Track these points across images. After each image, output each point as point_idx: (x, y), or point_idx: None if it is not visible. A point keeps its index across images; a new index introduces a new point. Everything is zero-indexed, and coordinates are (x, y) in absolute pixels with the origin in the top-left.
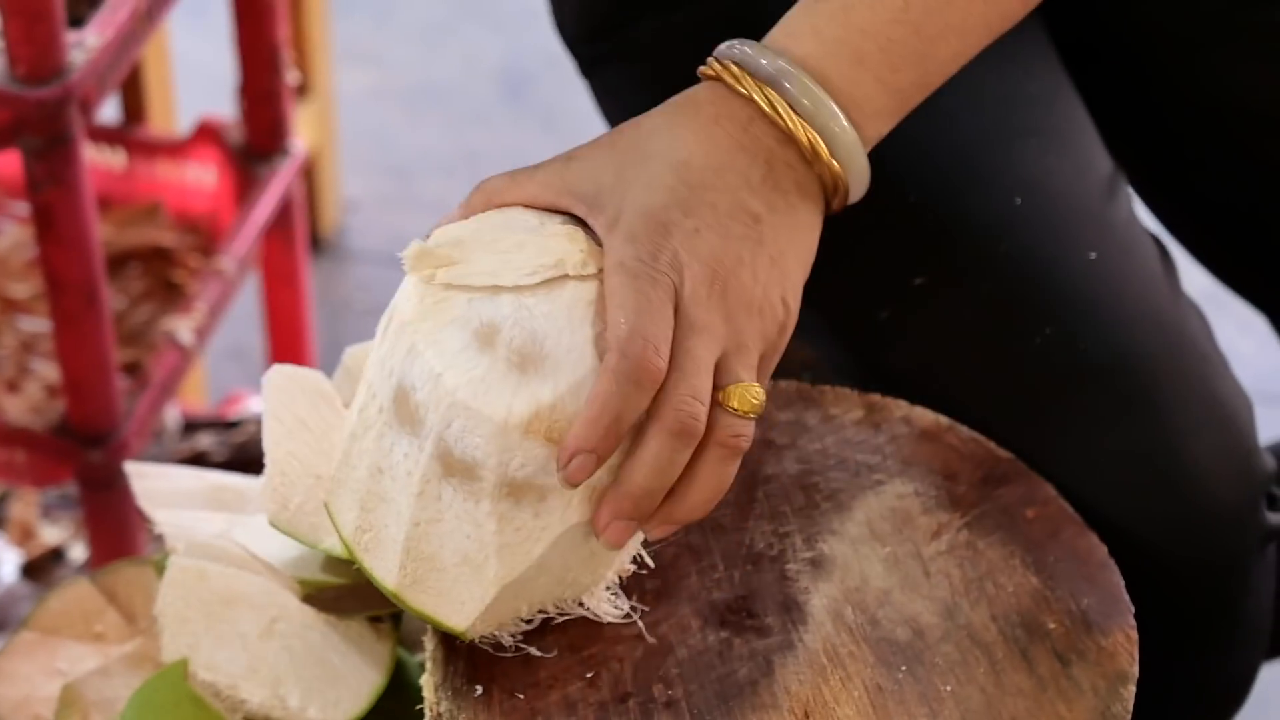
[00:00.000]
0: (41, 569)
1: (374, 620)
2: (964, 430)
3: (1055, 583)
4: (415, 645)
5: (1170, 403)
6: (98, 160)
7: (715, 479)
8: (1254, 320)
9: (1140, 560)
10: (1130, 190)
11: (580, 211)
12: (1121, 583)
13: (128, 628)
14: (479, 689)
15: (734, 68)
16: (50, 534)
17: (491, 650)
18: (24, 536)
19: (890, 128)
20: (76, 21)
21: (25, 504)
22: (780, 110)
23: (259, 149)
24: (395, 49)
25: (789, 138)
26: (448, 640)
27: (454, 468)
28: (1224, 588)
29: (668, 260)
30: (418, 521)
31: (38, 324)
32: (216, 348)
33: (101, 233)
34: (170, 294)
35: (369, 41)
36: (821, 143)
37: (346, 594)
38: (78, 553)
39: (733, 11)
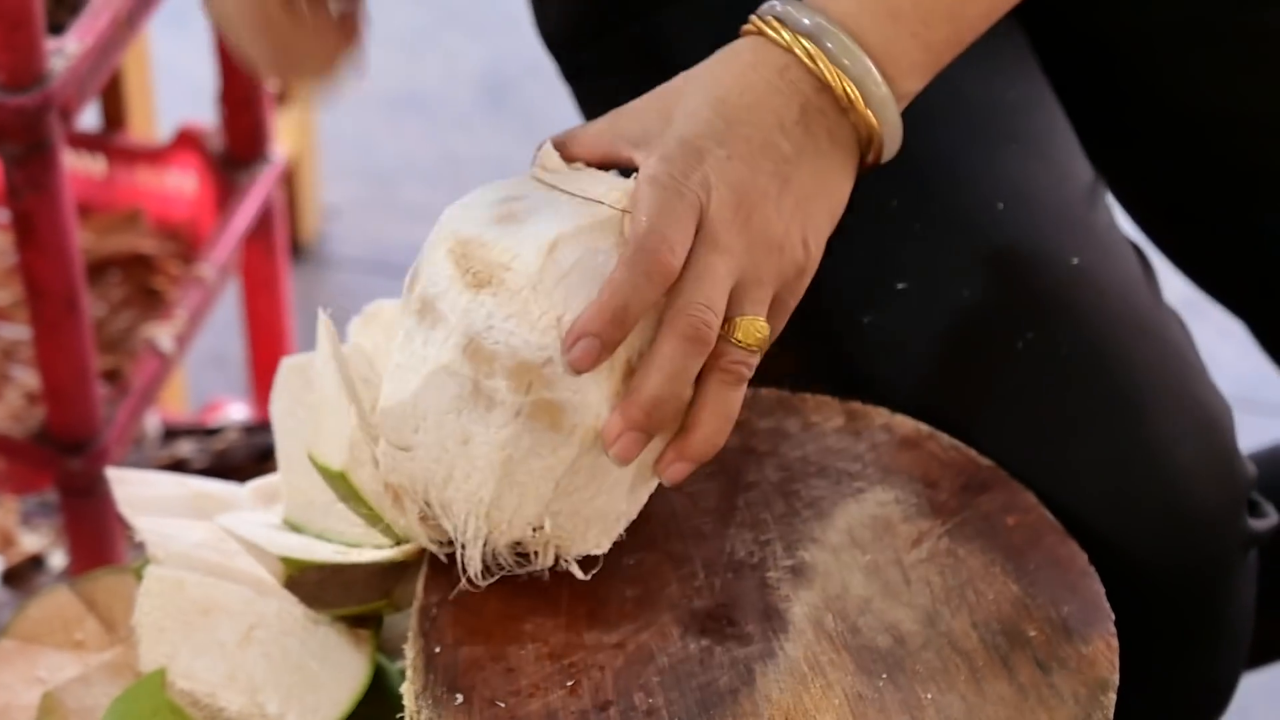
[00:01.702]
0: (21, 576)
1: (354, 626)
2: (944, 438)
3: (1036, 590)
4: (396, 652)
5: (1152, 408)
6: (78, 167)
7: (720, 406)
8: (1233, 327)
9: (1121, 567)
10: (1110, 198)
11: (628, 152)
12: (1102, 590)
13: (107, 636)
14: (459, 697)
15: (772, 21)
16: (30, 541)
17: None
18: (3, 544)
19: (924, 84)
20: (57, 28)
21: (5, 511)
22: (818, 60)
23: (239, 156)
24: (376, 55)
25: (824, 86)
26: (429, 647)
27: (414, 277)
28: (1205, 595)
29: (698, 180)
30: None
31: (17, 331)
32: (196, 355)
33: (81, 240)
34: (150, 301)
35: None
36: (857, 92)
37: (330, 579)
38: (58, 560)
39: (718, 12)
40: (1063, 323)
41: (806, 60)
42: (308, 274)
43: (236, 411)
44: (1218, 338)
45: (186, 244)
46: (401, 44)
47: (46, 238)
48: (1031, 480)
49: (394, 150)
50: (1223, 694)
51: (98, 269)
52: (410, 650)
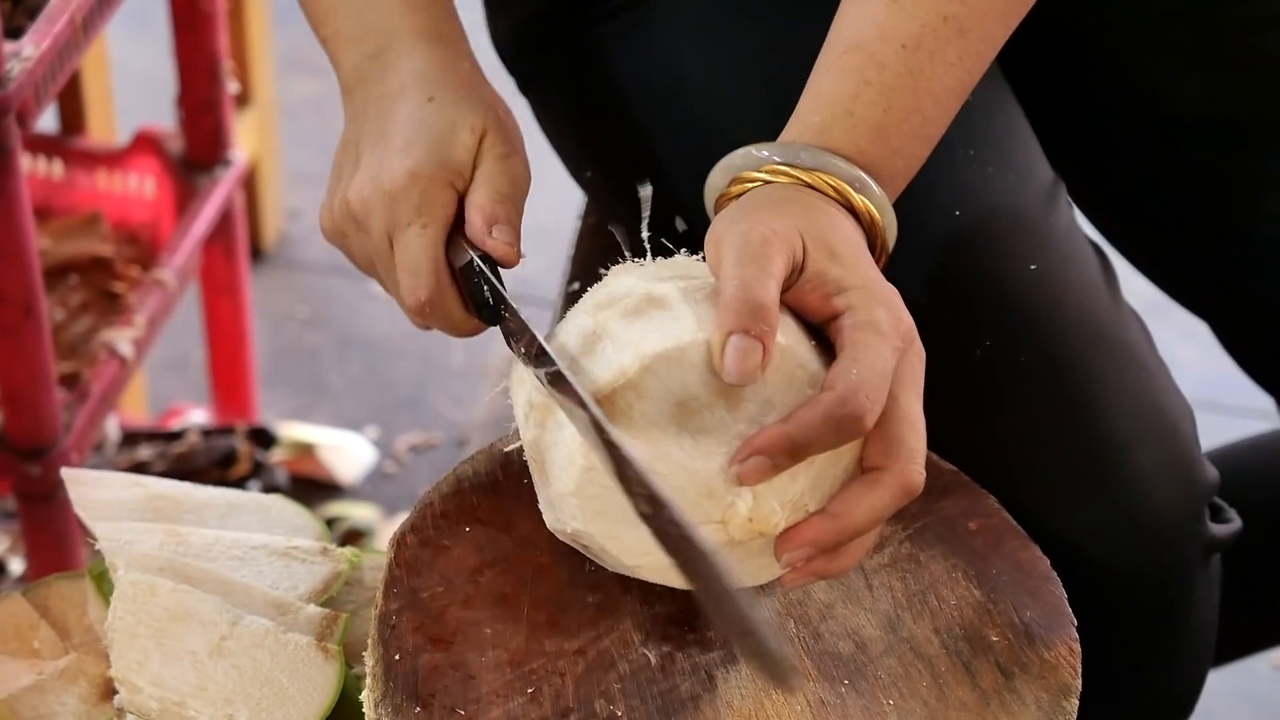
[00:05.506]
0: None
1: (322, 640)
2: None
3: (998, 595)
4: (356, 659)
5: (1110, 415)
6: (36, 170)
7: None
8: (1196, 327)
9: (1082, 572)
10: (1070, 199)
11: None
12: (1064, 595)
13: (60, 643)
14: (419, 705)
15: (835, 180)
16: None
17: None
18: None
19: None
20: (14, 32)
21: None
22: (876, 220)
23: (199, 159)
24: None
25: (873, 227)
26: (388, 655)
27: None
28: (1166, 600)
29: (905, 332)
30: None
31: None
32: (156, 359)
33: (40, 243)
34: (110, 305)
35: (309, 50)
36: (887, 233)
37: None
38: (16, 566)
39: (655, 24)
40: (1021, 330)
41: (865, 215)
42: (268, 277)
43: (197, 415)
44: (1181, 339)
45: (146, 248)
46: None
47: (4, 242)
48: (991, 485)
49: None
50: (1185, 699)
51: (56, 273)
52: (370, 658)
